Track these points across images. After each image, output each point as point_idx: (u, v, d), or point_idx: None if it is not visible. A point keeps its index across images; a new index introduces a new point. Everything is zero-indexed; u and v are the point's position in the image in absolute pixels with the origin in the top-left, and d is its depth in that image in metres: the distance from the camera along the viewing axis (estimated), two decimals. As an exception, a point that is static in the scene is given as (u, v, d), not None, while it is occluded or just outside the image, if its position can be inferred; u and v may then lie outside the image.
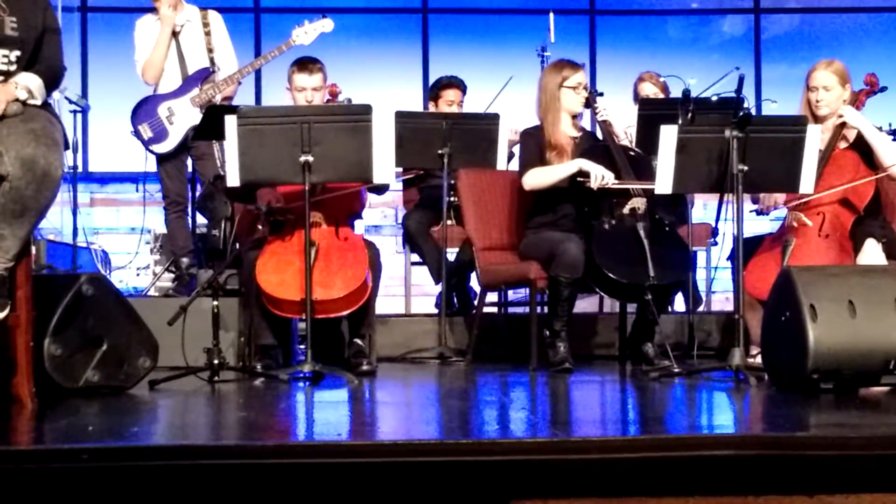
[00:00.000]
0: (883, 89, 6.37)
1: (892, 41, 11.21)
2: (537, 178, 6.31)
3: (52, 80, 4.72)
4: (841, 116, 6.11)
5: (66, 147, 4.75)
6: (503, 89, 7.88)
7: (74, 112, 8.72)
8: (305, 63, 6.53)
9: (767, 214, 6.42)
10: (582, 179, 6.15)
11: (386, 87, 10.25)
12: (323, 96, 6.58)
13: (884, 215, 6.27)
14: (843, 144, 6.19)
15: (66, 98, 8.47)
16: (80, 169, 9.24)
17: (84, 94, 10.13)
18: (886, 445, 3.52)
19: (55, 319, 4.89)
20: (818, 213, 6.09)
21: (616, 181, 6.13)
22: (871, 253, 5.97)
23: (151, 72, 7.32)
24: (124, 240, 9.74)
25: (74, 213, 8.62)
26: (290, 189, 6.07)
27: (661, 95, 7.48)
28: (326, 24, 7.21)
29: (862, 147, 6.13)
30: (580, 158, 6.20)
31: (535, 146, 6.36)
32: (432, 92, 7.99)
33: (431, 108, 7.93)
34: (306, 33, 7.17)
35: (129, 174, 10.08)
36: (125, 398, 4.98)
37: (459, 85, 7.85)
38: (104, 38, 10.67)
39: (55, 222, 9.04)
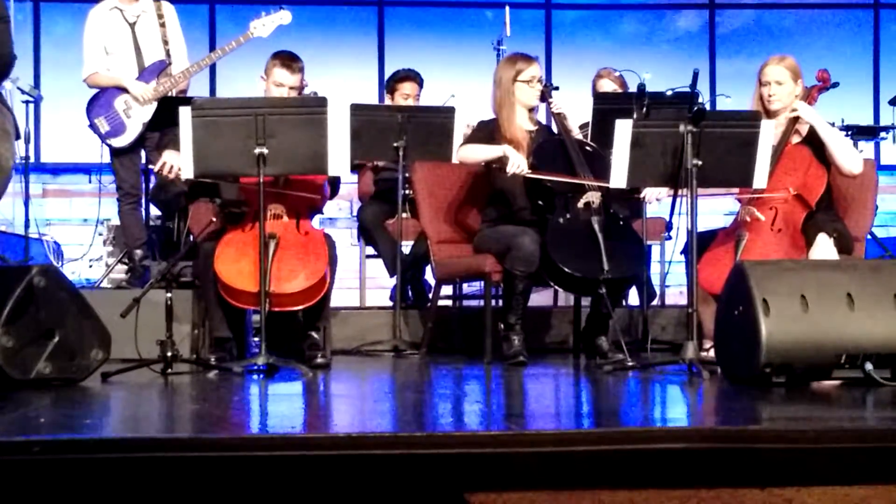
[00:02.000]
0: (835, 85, 6.42)
1: (846, 37, 11.30)
2: (466, 152, 6.43)
3: (2, 69, 4.67)
4: (795, 111, 6.15)
5: (17, 137, 4.71)
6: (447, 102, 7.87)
7: (27, 102, 8.66)
8: (289, 61, 6.48)
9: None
10: (496, 166, 6.20)
11: (342, 79, 10.23)
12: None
13: (835, 210, 6.32)
14: (795, 139, 6.23)
15: (19, 88, 8.41)
16: (32, 160, 9.17)
17: (36, 85, 10.05)
18: (837, 439, 3.54)
19: (6, 311, 4.84)
20: (771, 207, 6.13)
21: (529, 171, 6.17)
22: (823, 247, 6.01)
23: (93, 85, 7.28)
24: (77, 231, 9.69)
25: (26, 204, 8.56)
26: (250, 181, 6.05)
27: (620, 91, 7.50)
28: (284, 17, 7.18)
29: (814, 142, 6.18)
30: (508, 146, 6.23)
31: (486, 136, 6.38)
32: (388, 84, 7.97)
33: (387, 101, 7.92)
34: (264, 25, 7.14)
35: (81, 165, 10.02)
36: (77, 390, 4.95)
37: (416, 78, 7.85)
38: (57, 28, 10.60)
39: (7, 213, 8.98)
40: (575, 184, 6.23)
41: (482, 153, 6.34)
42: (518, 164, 6.15)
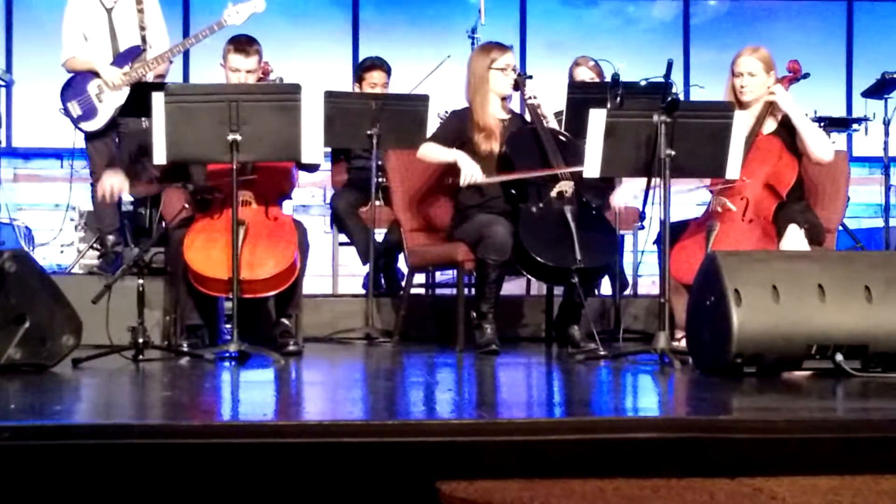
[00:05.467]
0: (805, 76, 6.45)
1: (819, 28, 11.33)
2: (425, 151, 6.43)
3: None
4: (772, 94, 6.16)
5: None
6: (437, 68, 7.85)
7: (-2, 86, 8.61)
8: (243, 44, 6.45)
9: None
10: (454, 183, 6.20)
11: (315, 65, 10.20)
12: (257, 77, 6.53)
13: (806, 201, 6.35)
14: (766, 130, 6.25)
15: (-10, 72, 8.36)
16: (3, 144, 9.11)
17: (8, 69, 9.99)
18: (807, 429, 3.57)
19: (-24, 296, 4.83)
20: (742, 197, 6.15)
21: (484, 178, 6.19)
22: (794, 238, 6.04)
23: (70, 69, 7.23)
24: (48, 216, 9.63)
25: (-3, 189, 8.52)
26: (218, 167, 6.03)
27: (597, 79, 7.49)
28: (258, 5, 7.14)
29: (785, 133, 6.20)
30: (460, 152, 6.25)
31: (455, 127, 6.39)
32: (356, 73, 7.95)
33: (356, 90, 7.89)
34: (238, 13, 7.10)
35: (53, 150, 9.97)
36: (48, 376, 4.93)
37: (383, 66, 7.80)
38: (30, 11, 10.53)
39: (-23, 198, 8.92)
40: (547, 173, 6.23)
41: (439, 155, 6.37)
42: (471, 174, 6.16)
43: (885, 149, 8.81)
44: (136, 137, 6.55)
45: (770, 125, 6.26)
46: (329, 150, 7.59)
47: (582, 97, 6.82)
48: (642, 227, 7.02)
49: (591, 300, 6.58)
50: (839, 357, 4.83)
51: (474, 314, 6.16)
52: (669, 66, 5.88)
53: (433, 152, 6.38)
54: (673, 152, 5.58)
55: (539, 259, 6.00)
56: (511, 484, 3.30)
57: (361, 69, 7.88)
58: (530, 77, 6.51)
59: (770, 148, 6.19)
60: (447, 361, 5.92)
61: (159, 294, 6.26)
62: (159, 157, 5.69)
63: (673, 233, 5.90)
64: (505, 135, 6.36)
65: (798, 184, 6.25)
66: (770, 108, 6.22)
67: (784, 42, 10.39)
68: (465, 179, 6.16)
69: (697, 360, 5.20)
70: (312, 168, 6.29)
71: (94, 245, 7.70)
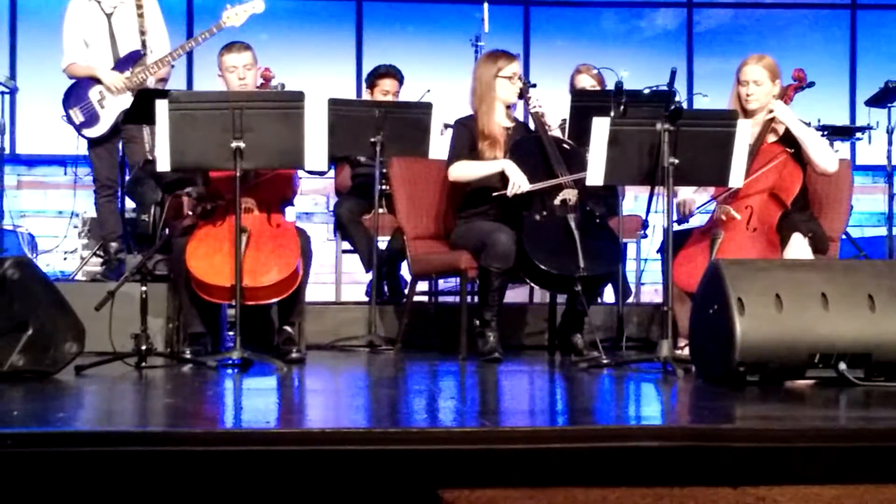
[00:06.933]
0: (811, 85, 6.45)
1: (823, 37, 11.33)
2: (463, 171, 6.34)
3: None
4: (771, 111, 6.17)
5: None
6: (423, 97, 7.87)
7: (2, 93, 8.60)
8: (231, 44, 6.51)
9: (687, 221, 6.42)
10: (499, 193, 6.16)
11: (319, 73, 10.21)
12: (255, 76, 6.54)
13: (811, 210, 6.35)
14: (771, 138, 6.25)
15: (-6, 79, 8.36)
16: (7, 151, 9.11)
17: (12, 76, 10.00)
18: (810, 438, 3.56)
19: (-21, 303, 4.83)
20: (746, 206, 6.15)
21: (530, 187, 6.15)
22: (797, 247, 6.03)
23: (71, 75, 7.25)
24: (52, 223, 9.63)
25: (0, 196, 8.50)
26: (221, 174, 6.03)
27: (598, 88, 7.50)
28: (257, 5, 7.14)
29: (790, 141, 6.20)
30: (508, 161, 6.21)
31: (468, 136, 6.37)
32: (369, 80, 7.95)
33: (367, 96, 7.89)
34: (237, 14, 7.10)
35: (57, 157, 9.97)
36: (51, 383, 4.93)
37: (396, 75, 7.82)
38: (34, 18, 10.54)
39: (-19, 205, 8.91)
40: (541, 187, 6.22)
41: (481, 171, 6.28)
42: (519, 183, 6.13)
43: (889, 158, 8.80)
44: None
45: (776, 133, 6.25)
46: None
47: (585, 105, 6.82)
48: (645, 236, 7.04)
49: (594, 308, 6.58)
50: (842, 366, 4.82)
51: (477, 322, 6.16)
52: (673, 74, 5.89)
53: (473, 170, 6.31)
54: (676, 160, 5.58)
55: (542, 267, 6.00)
56: (513, 492, 3.30)
57: (374, 76, 7.89)
58: (534, 85, 6.51)
59: (775, 156, 6.18)
60: (450, 369, 5.92)
61: (162, 301, 6.26)
62: (163, 164, 5.70)
63: (677, 241, 5.91)
64: (509, 143, 6.35)
65: (802, 193, 6.24)
66: (775, 116, 6.21)
67: (788, 50, 10.38)
68: (512, 188, 6.12)
69: (700, 369, 5.20)
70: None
71: (98, 252, 7.71)
